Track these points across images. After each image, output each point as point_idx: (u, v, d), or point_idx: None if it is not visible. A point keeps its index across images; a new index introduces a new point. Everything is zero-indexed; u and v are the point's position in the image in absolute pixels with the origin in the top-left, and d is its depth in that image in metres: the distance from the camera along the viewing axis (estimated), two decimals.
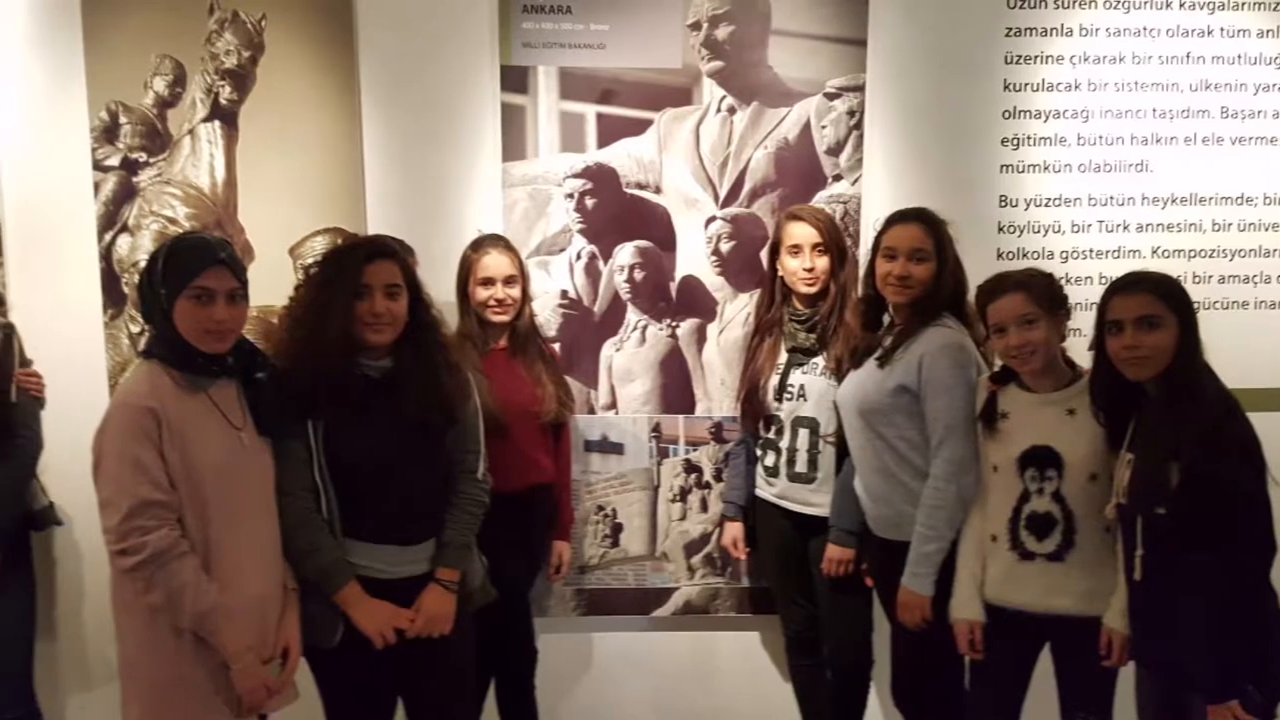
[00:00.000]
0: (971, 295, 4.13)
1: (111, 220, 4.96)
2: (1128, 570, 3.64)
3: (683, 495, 5.25)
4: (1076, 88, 5.16)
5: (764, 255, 4.93)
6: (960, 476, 4.07)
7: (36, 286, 4.92)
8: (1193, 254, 5.27)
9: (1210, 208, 5.26)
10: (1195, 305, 3.55)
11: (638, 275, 5.12)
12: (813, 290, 4.62)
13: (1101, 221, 5.23)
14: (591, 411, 5.21)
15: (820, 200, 5.06)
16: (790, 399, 4.67)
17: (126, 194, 4.96)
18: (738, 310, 5.13)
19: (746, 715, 5.47)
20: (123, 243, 4.97)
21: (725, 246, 5.12)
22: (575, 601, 5.30)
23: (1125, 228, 5.24)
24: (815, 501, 4.65)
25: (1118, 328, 3.52)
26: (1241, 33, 5.17)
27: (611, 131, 5.09)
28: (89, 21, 4.86)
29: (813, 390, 4.62)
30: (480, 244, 4.67)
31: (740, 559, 5.16)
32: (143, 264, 3.63)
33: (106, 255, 4.97)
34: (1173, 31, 5.15)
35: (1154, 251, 5.25)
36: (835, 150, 5.08)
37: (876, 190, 5.11)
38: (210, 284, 3.34)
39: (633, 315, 5.16)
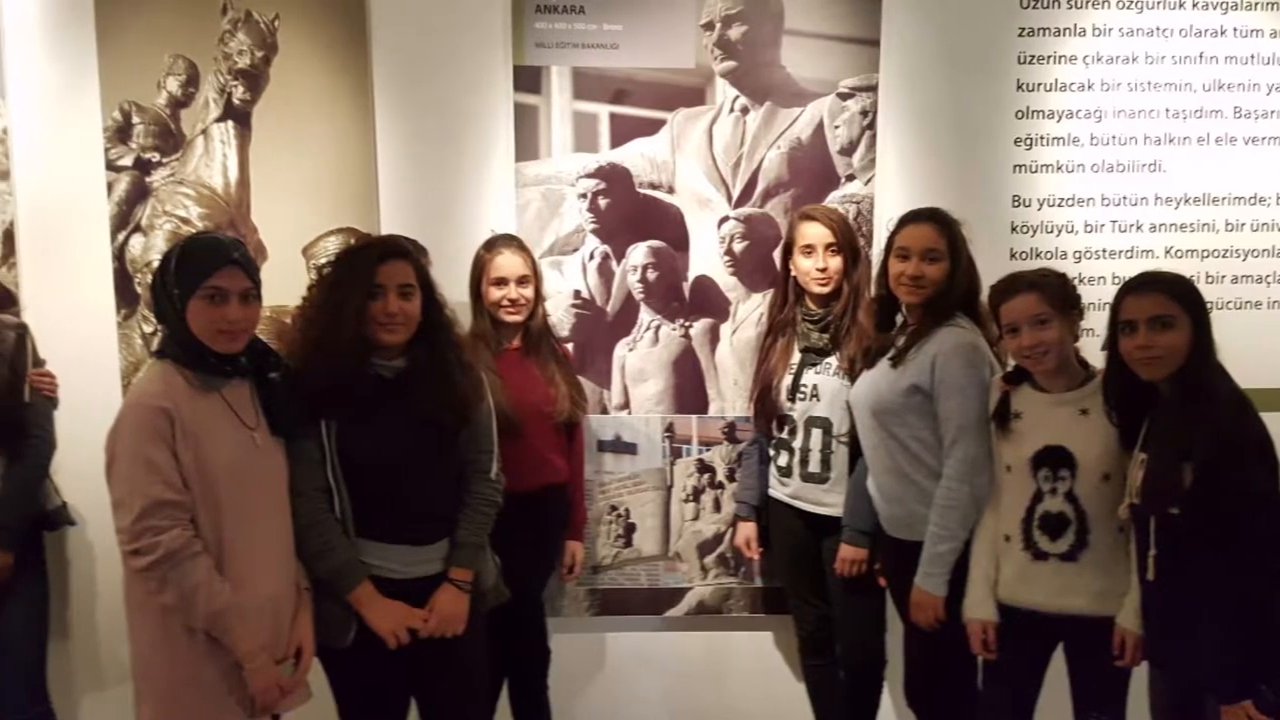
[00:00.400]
0: (984, 295, 4.12)
1: (125, 220, 4.97)
2: (1141, 570, 3.63)
3: (696, 495, 5.25)
4: (1089, 87, 5.16)
5: (777, 255, 4.93)
6: (973, 476, 4.07)
7: (50, 286, 4.94)
8: (1206, 254, 5.26)
9: (1223, 208, 5.25)
10: (1208, 305, 3.55)
11: (651, 275, 5.12)
12: (826, 290, 4.62)
13: (1115, 221, 5.23)
14: (604, 411, 5.21)
15: (833, 200, 5.06)
16: (803, 399, 4.67)
17: (140, 194, 4.97)
18: (751, 310, 5.14)
19: (759, 715, 5.47)
20: (136, 243, 4.98)
21: (738, 246, 5.12)
22: (588, 601, 5.30)
23: (1138, 228, 5.24)
24: (828, 501, 4.65)
25: (1131, 328, 3.52)
26: (1255, 33, 5.17)
27: (624, 131, 5.09)
28: (102, 21, 4.87)
29: (826, 390, 4.62)
30: (493, 244, 4.67)
31: (753, 559, 5.16)
32: (156, 264, 3.63)
33: (119, 255, 4.98)
34: (1186, 31, 5.15)
35: (1167, 251, 5.25)
36: (848, 150, 5.08)
37: (889, 190, 5.11)
38: (223, 284, 3.34)
39: (646, 315, 5.16)
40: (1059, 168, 5.19)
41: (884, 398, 4.23)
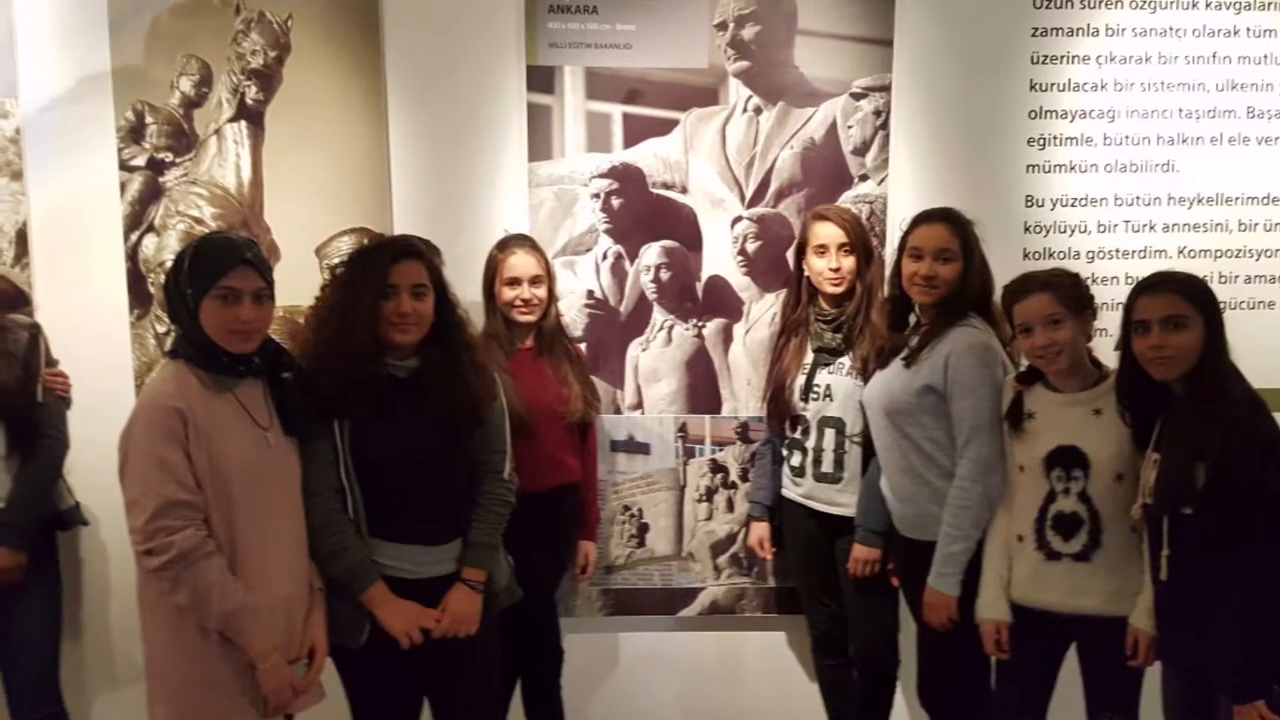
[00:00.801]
0: (998, 295, 4.12)
1: (138, 220, 4.97)
2: (1154, 570, 3.63)
3: (709, 495, 5.25)
4: (1103, 88, 5.15)
5: (790, 255, 4.92)
6: (986, 476, 4.06)
7: (63, 286, 4.94)
8: (1219, 254, 5.25)
9: (1236, 208, 5.24)
10: (1221, 305, 3.55)
11: (664, 275, 5.12)
12: (839, 290, 4.62)
13: (1128, 221, 5.22)
14: (618, 411, 5.20)
15: (846, 200, 5.05)
16: (816, 399, 4.66)
17: (153, 194, 4.97)
18: (764, 310, 5.13)
19: (772, 715, 5.46)
20: (149, 243, 4.98)
21: (751, 246, 5.11)
22: (601, 601, 5.30)
23: (1151, 228, 5.23)
24: (841, 501, 4.65)
25: (1144, 328, 3.52)
26: (1268, 33, 5.15)
27: (637, 131, 5.08)
28: (115, 21, 4.88)
29: (839, 390, 4.61)
30: (506, 244, 4.67)
31: (766, 559, 5.16)
32: (169, 264, 3.64)
33: (133, 255, 4.98)
34: (1199, 31, 5.14)
35: (1180, 251, 5.24)
36: (861, 150, 5.08)
37: (902, 190, 5.10)
38: (236, 284, 3.34)
39: (659, 315, 5.15)
40: (1072, 168, 5.18)
41: (897, 398, 4.23)
